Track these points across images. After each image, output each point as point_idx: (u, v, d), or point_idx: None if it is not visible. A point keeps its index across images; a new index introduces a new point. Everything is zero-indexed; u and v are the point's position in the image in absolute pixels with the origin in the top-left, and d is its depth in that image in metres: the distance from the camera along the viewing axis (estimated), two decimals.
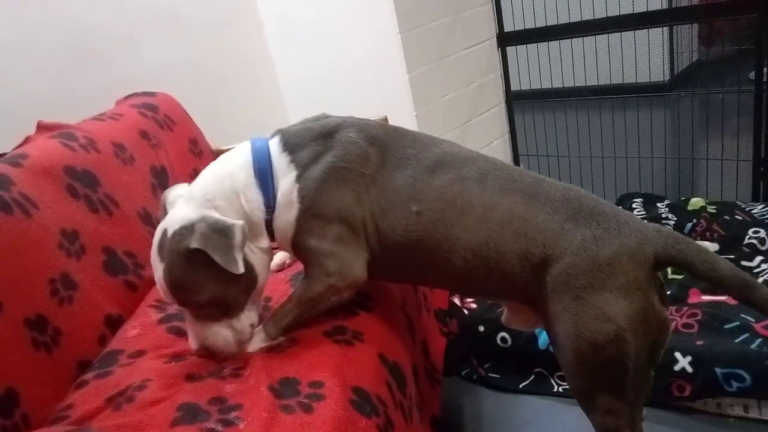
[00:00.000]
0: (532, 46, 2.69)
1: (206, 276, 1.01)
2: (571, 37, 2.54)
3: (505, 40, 2.62)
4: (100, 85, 1.84)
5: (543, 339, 1.69)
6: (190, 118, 1.90)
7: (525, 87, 2.98)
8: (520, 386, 1.71)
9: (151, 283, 1.22)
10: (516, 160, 2.87)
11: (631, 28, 2.44)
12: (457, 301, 1.92)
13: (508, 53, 2.65)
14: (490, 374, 1.78)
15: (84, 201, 1.35)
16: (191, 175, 1.66)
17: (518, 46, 2.67)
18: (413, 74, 2.17)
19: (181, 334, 1.17)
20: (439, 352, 1.64)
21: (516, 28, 2.62)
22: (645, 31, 2.79)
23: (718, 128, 2.41)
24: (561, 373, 1.68)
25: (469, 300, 1.92)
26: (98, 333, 1.23)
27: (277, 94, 2.49)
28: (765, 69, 2.09)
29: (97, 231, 1.34)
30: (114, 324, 1.27)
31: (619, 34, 2.56)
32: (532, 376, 1.72)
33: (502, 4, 2.56)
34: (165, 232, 1.04)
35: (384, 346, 1.16)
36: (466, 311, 1.87)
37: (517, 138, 2.84)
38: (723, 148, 2.27)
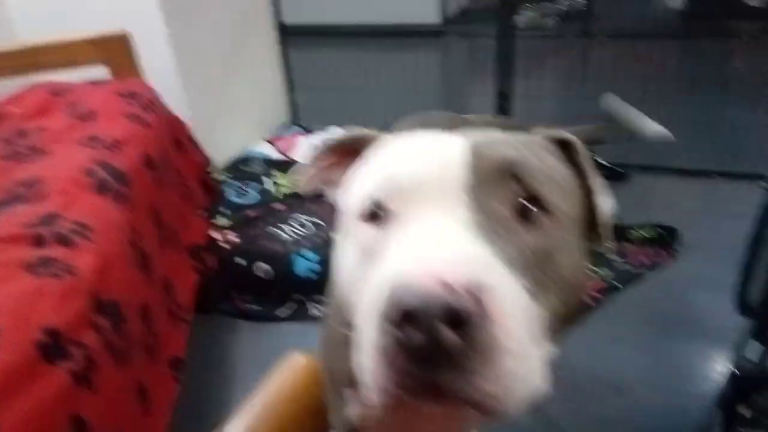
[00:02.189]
0: None
1: None
2: None
3: None
4: None
5: (301, 266, 1.68)
6: None
7: (296, 20, 2.88)
8: (280, 315, 1.69)
9: None
10: (290, 91, 2.79)
11: None
12: (217, 235, 1.81)
13: None
14: (250, 307, 1.73)
15: None
16: None
17: None
18: None
19: None
20: (189, 289, 1.53)
21: None
22: None
23: (478, 68, 2.60)
24: (320, 298, 1.70)
25: (230, 233, 1.82)
26: None
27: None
28: (505, 19, 2.23)
29: None
30: None
31: None
32: (293, 304, 1.71)
33: None
34: None
35: (100, 283, 1.02)
36: (226, 245, 1.78)
37: (291, 69, 2.75)
38: (482, 86, 2.44)
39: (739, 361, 0.97)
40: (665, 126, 2.18)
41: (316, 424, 0.54)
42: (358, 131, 0.61)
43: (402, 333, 0.37)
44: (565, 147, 0.56)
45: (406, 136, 0.54)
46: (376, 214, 0.49)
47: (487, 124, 0.53)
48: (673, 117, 2.16)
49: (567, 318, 0.48)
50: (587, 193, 0.54)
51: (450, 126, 0.58)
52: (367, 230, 0.49)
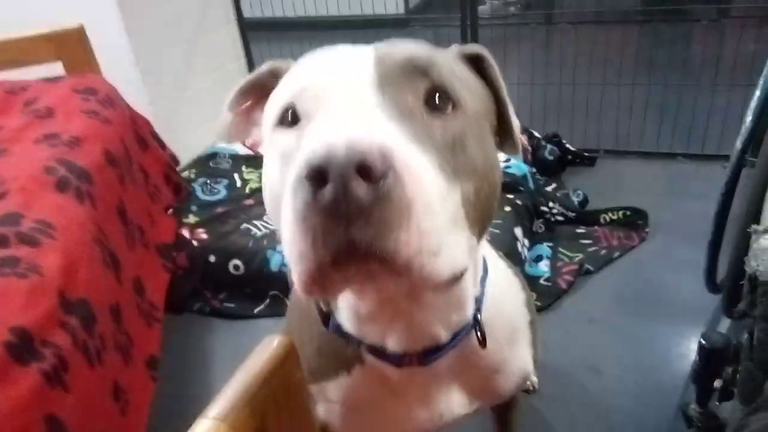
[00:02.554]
0: None
1: None
2: None
3: None
4: None
5: (275, 261, 1.65)
6: None
7: (257, 14, 2.82)
8: (255, 311, 1.66)
9: None
10: None
11: None
12: (186, 233, 1.76)
13: None
14: (224, 304, 1.69)
15: None
16: None
17: None
18: None
19: None
20: (160, 288, 1.49)
21: None
22: None
23: None
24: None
25: (199, 230, 1.78)
26: None
27: None
28: (468, 8, 2.24)
29: None
30: None
31: None
32: (267, 300, 1.68)
33: None
34: None
35: (67, 282, 0.97)
36: (195, 242, 1.73)
37: (255, 64, 2.71)
38: None
39: (708, 335, 0.99)
40: (629, 110, 2.22)
41: (295, 403, 0.53)
42: (268, 65, 0.62)
43: (315, 189, 0.38)
44: (475, 61, 0.59)
45: (316, 54, 0.55)
46: (291, 120, 0.50)
47: None
48: (636, 101, 2.21)
49: (482, 209, 0.51)
50: (497, 102, 0.59)
51: None
52: (284, 135, 0.50)
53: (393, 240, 0.39)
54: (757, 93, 1.19)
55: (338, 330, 0.63)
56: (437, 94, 0.49)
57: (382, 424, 0.71)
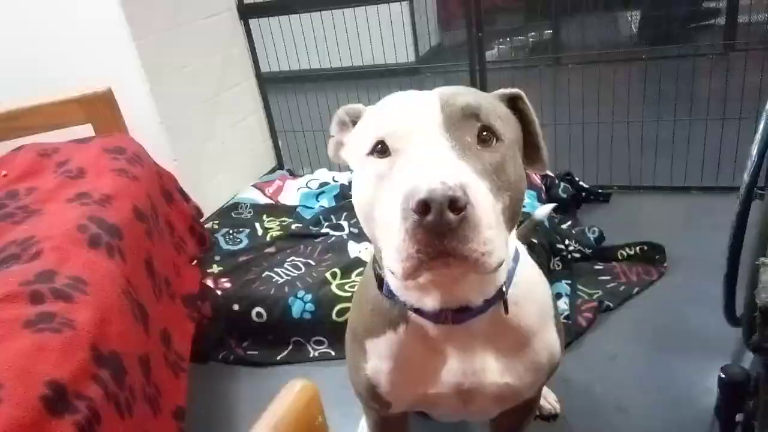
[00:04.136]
0: (283, 22, 2.66)
1: None
2: (309, 11, 2.56)
3: (247, 11, 2.54)
4: None
5: (297, 308, 1.68)
6: None
7: (275, 68, 2.95)
8: (278, 358, 1.69)
9: None
10: (273, 136, 2.84)
11: (368, 2, 2.53)
12: (210, 282, 1.81)
13: (252, 27, 2.59)
14: (248, 352, 1.72)
15: None
16: None
17: (263, 20, 2.61)
18: (141, 42, 1.97)
19: None
20: (186, 338, 1.53)
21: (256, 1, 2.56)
22: (394, 13, 2.92)
23: None
24: (317, 338, 1.70)
25: (223, 280, 1.83)
26: None
27: None
28: (476, 54, 2.32)
29: None
30: None
31: (366, 15, 2.64)
32: (290, 346, 1.71)
33: None
34: None
35: (99, 336, 1.02)
36: (219, 292, 1.78)
37: (273, 115, 2.81)
38: None
39: (728, 369, 0.99)
40: (640, 146, 2.25)
41: None
42: (352, 106, 0.84)
43: (420, 216, 0.57)
44: (513, 100, 0.79)
45: (391, 98, 0.75)
46: (381, 150, 0.68)
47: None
48: (647, 136, 2.24)
49: (514, 212, 0.70)
50: (528, 132, 0.79)
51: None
52: (377, 162, 0.68)
53: (468, 246, 0.59)
54: (761, 126, 1.22)
55: (389, 293, 0.80)
56: (485, 132, 0.68)
57: (422, 378, 0.84)
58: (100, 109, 1.82)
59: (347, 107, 0.84)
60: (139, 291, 1.29)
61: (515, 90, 0.79)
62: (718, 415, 1.05)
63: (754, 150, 1.22)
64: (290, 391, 0.56)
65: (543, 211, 1.54)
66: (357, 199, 0.73)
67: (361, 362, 0.89)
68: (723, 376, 1.00)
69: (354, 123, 0.82)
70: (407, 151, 0.66)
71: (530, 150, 0.79)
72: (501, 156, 0.68)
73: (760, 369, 0.92)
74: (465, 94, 0.71)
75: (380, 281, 0.82)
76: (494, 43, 4.05)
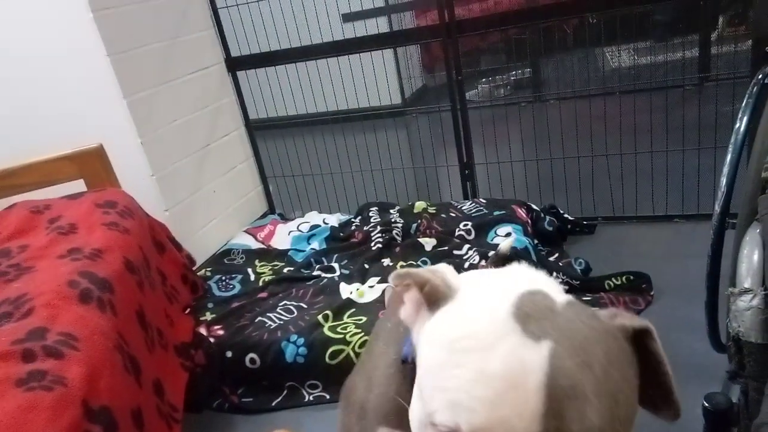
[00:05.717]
0: (270, 72, 2.74)
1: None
2: (296, 62, 2.64)
3: (234, 65, 2.62)
4: None
5: (289, 352, 1.69)
6: None
7: (263, 115, 3.02)
8: (273, 404, 1.69)
9: None
10: (264, 181, 2.88)
11: (353, 51, 2.62)
12: (203, 330, 1.83)
13: (240, 78, 2.67)
14: (243, 399, 1.72)
15: None
16: None
17: (250, 71, 2.70)
18: (132, 99, 2.03)
19: None
20: (179, 388, 1.54)
21: (243, 53, 2.64)
22: (378, 60, 3.00)
23: (440, 142, 2.74)
24: (311, 382, 1.70)
25: (216, 327, 1.84)
26: None
27: None
28: (456, 95, 2.38)
29: None
30: None
31: (349, 63, 2.72)
32: (285, 391, 1.71)
33: (225, 30, 2.56)
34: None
35: (90, 391, 1.03)
36: (212, 339, 1.79)
37: (263, 161, 2.86)
38: (446, 158, 2.58)
39: (711, 397, 1.01)
40: (620, 177, 2.30)
41: None
42: (426, 277, 0.61)
43: None
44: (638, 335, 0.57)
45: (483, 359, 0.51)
46: None
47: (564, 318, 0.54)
48: (627, 168, 2.29)
49: None
50: (654, 371, 0.58)
51: (521, 314, 0.54)
52: None
53: None
54: (728, 158, 1.27)
55: None
56: None
57: None
58: (92, 164, 1.86)
59: (417, 278, 0.61)
60: (131, 344, 1.31)
61: (644, 323, 0.57)
62: None
63: (723, 181, 1.27)
64: None
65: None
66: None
67: None
68: (707, 404, 1.01)
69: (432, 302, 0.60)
70: None
71: (653, 389, 0.58)
72: None
73: (741, 396, 0.94)
74: (589, 403, 0.48)
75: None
76: (477, 83, 4.16)
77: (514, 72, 4.20)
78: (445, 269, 0.63)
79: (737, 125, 1.31)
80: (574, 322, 0.53)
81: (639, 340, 0.57)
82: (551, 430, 0.47)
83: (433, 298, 0.59)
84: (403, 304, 0.65)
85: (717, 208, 1.25)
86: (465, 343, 0.52)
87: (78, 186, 1.87)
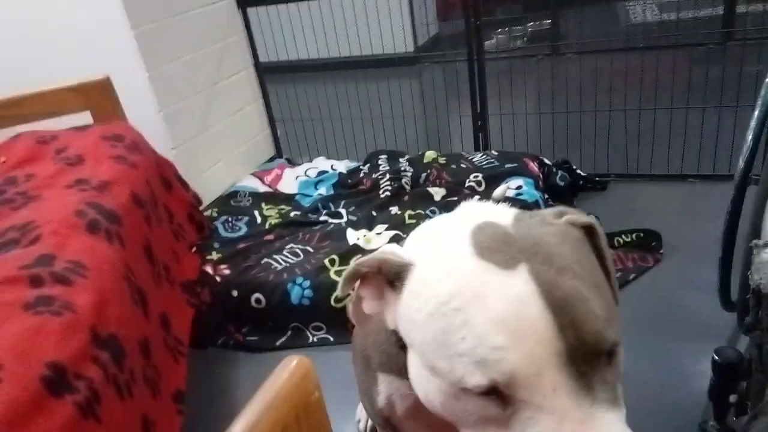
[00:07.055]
0: (282, 10, 2.66)
1: None
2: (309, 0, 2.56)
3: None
4: None
5: (295, 294, 1.69)
6: None
7: (273, 58, 2.94)
8: (277, 344, 1.70)
9: None
10: (272, 125, 2.84)
11: None
12: (209, 269, 1.82)
13: (250, 18, 2.58)
14: (247, 338, 1.73)
15: None
16: None
17: (261, 9, 2.61)
18: (140, 30, 1.97)
19: None
20: (186, 324, 1.54)
21: None
22: (389, 8, 2.91)
23: (453, 92, 2.67)
24: (315, 324, 1.71)
25: (222, 266, 1.84)
26: None
27: None
28: (473, 43, 2.31)
29: None
30: None
31: (365, 5, 2.64)
32: (289, 332, 1.72)
33: None
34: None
35: (98, 319, 1.03)
36: (218, 278, 1.79)
37: (271, 104, 2.81)
38: (459, 108, 2.52)
39: (721, 350, 1.01)
40: (637, 134, 2.26)
41: (315, 420, 0.57)
42: (379, 259, 0.60)
43: None
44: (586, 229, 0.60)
45: (462, 277, 0.53)
46: (489, 392, 0.51)
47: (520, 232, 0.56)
48: (644, 125, 2.24)
49: None
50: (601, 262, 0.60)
51: (485, 244, 0.55)
52: (486, 405, 0.52)
53: None
54: (756, 113, 1.23)
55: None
56: (610, 355, 0.53)
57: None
58: (99, 97, 1.82)
59: (370, 263, 0.60)
60: (138, 276, 1.31)
61: (589, 220, 0.60)
62: (712, 397, 1.06)
63: (749, 135, 1.23)
64: (285, 367, 0.56)
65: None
66: (420, 393, 0.59)
67: (374, 392, 0.79)
68: (717, 357, 1.01)
69: (392, 282, 0.59)
70: (532, 405, 0.50)
71: None
72: (621, 363, 0.56)
73: (753, 350, 0.93)
74: (589, 311, 0.51)
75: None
76: (493, 33, 4.04)
77: (531, 23, 4.07)
78: (387, 248, 0.61)
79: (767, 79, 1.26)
80: (533, 236, 0.54)
81: (585, 233, 0.59)
82: (571, 339, 0.49)
83: (395, 276, 0.58)
84: (363, 299, 0.64)
85: (741, 164, 1.22)
86: (453, 304, 0.52)
87: (84, 119, 1.84)
